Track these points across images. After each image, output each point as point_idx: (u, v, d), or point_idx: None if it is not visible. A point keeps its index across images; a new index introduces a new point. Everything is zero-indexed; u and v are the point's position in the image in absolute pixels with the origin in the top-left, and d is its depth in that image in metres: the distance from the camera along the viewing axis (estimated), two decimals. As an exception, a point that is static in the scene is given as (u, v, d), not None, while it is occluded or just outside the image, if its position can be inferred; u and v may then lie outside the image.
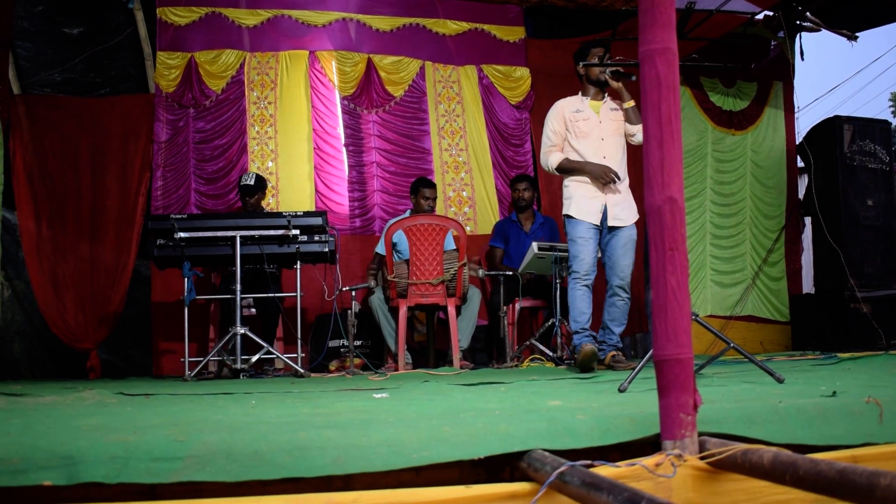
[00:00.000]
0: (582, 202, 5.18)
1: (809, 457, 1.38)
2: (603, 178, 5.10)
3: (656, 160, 1.62)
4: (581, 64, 5.34)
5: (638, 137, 5.22)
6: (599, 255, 5.30)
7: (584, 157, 5.20)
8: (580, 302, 5.12)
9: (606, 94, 5.35)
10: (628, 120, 5.25)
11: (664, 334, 1.59)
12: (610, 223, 5.16)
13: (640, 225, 7.90)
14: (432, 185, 6.96)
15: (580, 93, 5.39)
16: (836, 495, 1.26)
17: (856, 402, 1.91)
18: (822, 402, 1.95)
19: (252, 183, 6.61)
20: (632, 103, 5.21)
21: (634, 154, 7.75)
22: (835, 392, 2.26)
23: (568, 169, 5.25)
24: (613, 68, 5.08)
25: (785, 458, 1.39)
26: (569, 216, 5.23)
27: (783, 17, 8.27)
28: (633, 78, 5.09)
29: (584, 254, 5.12)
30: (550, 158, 5.32)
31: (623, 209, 5.19)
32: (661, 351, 1.59)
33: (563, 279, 6.13)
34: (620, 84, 5.18)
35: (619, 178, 5.16)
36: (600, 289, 5.36)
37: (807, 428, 1.80)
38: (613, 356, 5.07)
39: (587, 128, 5.23)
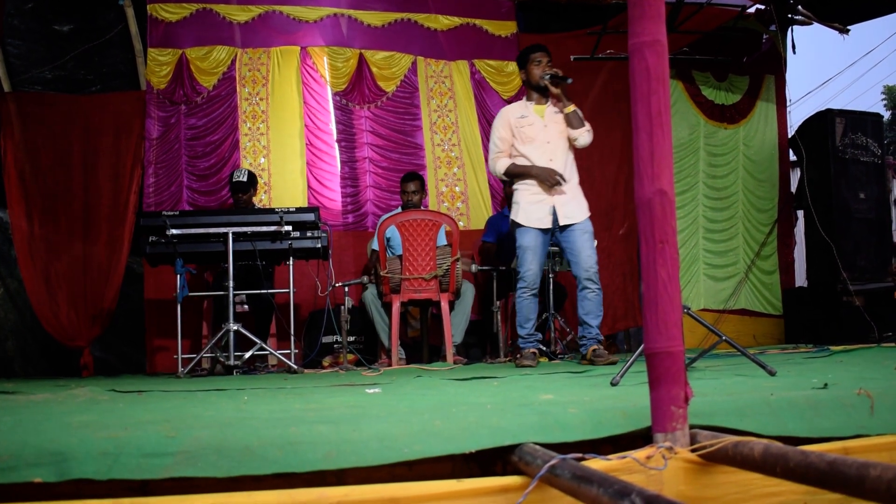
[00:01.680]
0: (529, 208, 5.26)
1: (800, 449, 1.38)
2: (548, 180, 5.17)
3: (646, 153, 1.62)
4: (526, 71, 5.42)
5: (580, 141, 5.28)
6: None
7: (531, 161, 5.26)
8: (526, 310, 5.28)
9: (550, 98, 5.36)
10: (569, 124, 5.27)
11: (655, 327, 1.59)
12: (562, 222, 5.21)
13: (631, 217, 7.94)
14: (413, 178, 6.94)
15: (525, 97, 5.47)
16: (827, 487, 1.26)
17: (847, 394, 1.91)
18: (813, 394, 1.96)
19: (245, 179, 6.61)
20: (571, 108, 5.25)
21: (626, 148, 7.78)
22: (826, 384, 2.26)
23: (515, 174, 5.34)
24: (552, 72, 5.19)
25: (775, 451, 1.39)
26: (516, 223, 5.31)
27: (775, 10, 8.28)
28: (570, 81, 5.17)
29: (530, 263, 5.23)
30: (498, 164, 5.40)
31: (572, 207, 5.24)
32: (652, 344, 1.60)
33: (556, 273, 6.14)
34: (559, 90, 5.24)
35: (564, 181, 5.21)
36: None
37: (798, 420, 1.81)
38: (594, 350, 5.05)
39: (532, 132, 5.29)
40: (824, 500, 1.65)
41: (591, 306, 5.15)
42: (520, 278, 5.27)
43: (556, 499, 1.49)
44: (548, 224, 5.21)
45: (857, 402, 1.87)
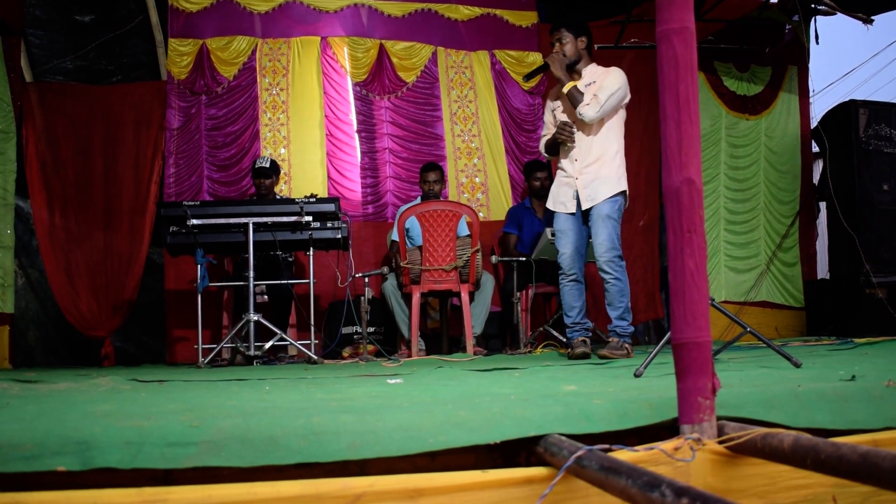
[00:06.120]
0: (557, 192, 5.12)
1: (831, 440, 1.36)
2: (559, 134, 5.00)
3: (674, 141, 1.60)
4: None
5: (584, 117, 4.93)
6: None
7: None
8: (568, 297, 5.05)
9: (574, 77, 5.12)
10: (572, 104, 5.01)
11: (682, 317, 1.57)
12: (584, 206, 4.97)
13: (653, 209, 7.91)
14: (433, 168, 6.90)
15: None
16: (859, 479, 1.24)
17: (876, 386, 1.88)
18: (841, 386, 1.93)
19: (267, 166, 6.64)
20: (567, 86, 4.94)
21: (646, 138, 7.74)
22: (854, 376, 2.23)
23: (550, 145, 5.21)
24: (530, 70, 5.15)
25: (806, 442, 1.37)
26: (551, 209, 5.18)
27: (798, 0, 8.20)
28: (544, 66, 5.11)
29: (563, 247, 5.04)
30: (541, 146, 5.35)
31: (593, 189, 4.94)
32: (680, 334, 1.57)
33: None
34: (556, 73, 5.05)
35: (573, 142, 5.00)
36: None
37: (826, 412, 1.78)
38: (608, 342, 4.85)
39: (563, 117, 5.11)
40: (854, 493, 1.63)
41: (608, 296, 4.93)
42: (559, 264, 5.08)
43: (582, 490, 1.47)
44: (572, 209, 5.00)
45: (886, 393, 1.85)
